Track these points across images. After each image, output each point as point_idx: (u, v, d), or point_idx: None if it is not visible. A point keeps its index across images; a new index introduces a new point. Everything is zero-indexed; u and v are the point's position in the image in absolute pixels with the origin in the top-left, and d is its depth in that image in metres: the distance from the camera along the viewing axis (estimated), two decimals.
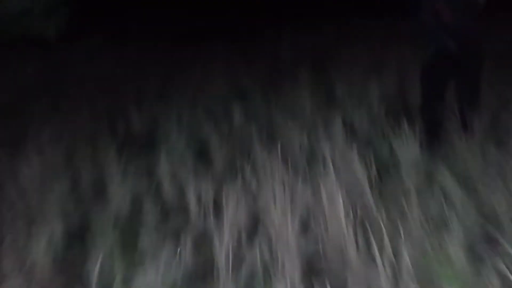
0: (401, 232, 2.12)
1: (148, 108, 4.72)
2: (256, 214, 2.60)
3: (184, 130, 3.95)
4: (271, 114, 3.90)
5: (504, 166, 2.69)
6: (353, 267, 2.10)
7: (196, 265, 2.37)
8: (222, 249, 2.32)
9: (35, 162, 3.48)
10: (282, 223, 2.34)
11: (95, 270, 2.31)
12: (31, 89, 5.26)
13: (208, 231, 2.55)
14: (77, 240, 2.77)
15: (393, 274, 2.00)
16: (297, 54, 5.65)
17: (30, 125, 4.25)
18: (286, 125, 3.49)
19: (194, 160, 3.37)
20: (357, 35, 5.85)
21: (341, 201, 2.28)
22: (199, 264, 2.38)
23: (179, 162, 3.36)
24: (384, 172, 2.76)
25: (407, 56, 4.46)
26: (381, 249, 2.03)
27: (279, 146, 2.97)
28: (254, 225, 2.53)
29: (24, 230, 2.73)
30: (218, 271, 2.25)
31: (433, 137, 2.98)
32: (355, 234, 2.19)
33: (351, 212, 2.26)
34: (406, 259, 1.98)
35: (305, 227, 2.35)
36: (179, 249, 2.36)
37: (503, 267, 1.94)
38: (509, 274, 1.91)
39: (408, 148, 2.85)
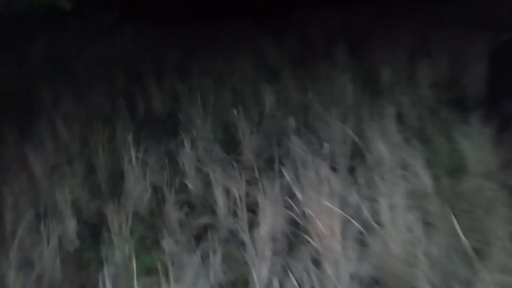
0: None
1: (168, 87, 4.35)
2: (296, 218, 2.24)
3: (209, 113, 3.58)
4: (306, 99, 3.49)
5: None
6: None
7: (226, 276, 2.04)
8: (257, 259, 1.98)
9: (48, 147, 3.17)
10: (328, 231, 1.98)
11: (110, 276, 2.00)
12: (44, 66, 4.93)
13: (239, 234, 2.21)
14: (91, 238, 2.46)
15: None
16: (329, 34, 5.16)
17: (42, 105, 3.93)
18: (325, 113, 3.08)
19: (221, 148, 3.01)
20: (394, 14, 5.34)
21: (401, 206, 1.90)
22: (230, 275, 2.05)
23: (204, 150, 3.00)
24: (449, 171, 2.35)
25: (457, 37, 4.00)
26: None
27: (319, 136, 2.59)
28: (294, 231, 2.18)
29: (34, 224, 2.43)
30: (253, 285, 1.92)
31: (503, 129, 2.55)
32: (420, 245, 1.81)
33: (414, 221, 1.88)
34: None
35: (358, 239, 1.98)
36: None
37: None
38: None
39: (473, 144, 2.44)
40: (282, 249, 2.11)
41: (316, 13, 5.89)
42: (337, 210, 1.97)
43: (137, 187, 2.68)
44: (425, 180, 2.15)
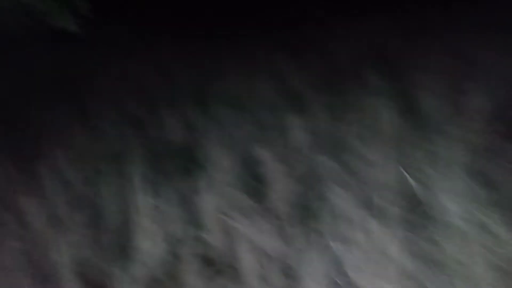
0: None
1: (183, 114, 3.98)
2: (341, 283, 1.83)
3: (229, 144, 3.19)
4: (338, 131, 3.08)
5: None
6: None
7: None
8: None
9: (48, 188, 2.81)
10: None
11: None
12: (51, 86, 4.61)
13: None
14: None
15: None
16: (356, 52, 4.78)
17: (45, 137, 3.59)
18: (364, 149, 2.67)
19: (244, 192, 2.61)
20: (427, 27, 4.93)
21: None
22: None
23: (225, 194, 2.61)
24: None
25: (506, 58, 3.57)
26: None
27: (361, 180, 2.19)
28: None
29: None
30: None
31: None
32: None
33: None
34: None
35: None
36: None
37: None
38: None
39: None
40: None
41: (338, 27, 5.51)
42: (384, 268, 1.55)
43: (148, 242, 2.30)
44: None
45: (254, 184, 2.62)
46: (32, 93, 4.36)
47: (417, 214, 1.99)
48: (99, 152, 3.47)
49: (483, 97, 3.09)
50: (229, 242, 2.28)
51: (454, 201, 1.89)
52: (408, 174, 2.20)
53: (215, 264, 2.22)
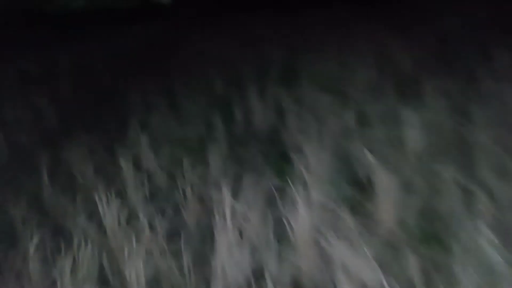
0: None
1: (272, 95, 3.56)
2: None
3: (324, 138, 2.73)
4: (466, 130, 2.47)
5: None
6: None
7: None
8: None
9: (127, 183, 2.58)
10: None
11: None
12: (135, 63, 4.42)
13: None
14: None
15: None
16: (475, 25, 3.99)
17: (130, 114, 3.39)
18: (504, 156, 2.07)
19: (346, 205, 2.13)
20: None
21: None
22: None
23: (317, 198, 2.17)
24: None
25: None
26: None
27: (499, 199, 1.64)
28: None
29: None
30: None
31: None
32: None
33: None
34: None
35: None
36: None
37: None
38: None
39: None
40: None
41: None
42: None
43: (229, 258, 1.95)
44: None
45: (356, 196, 2.15)
46: (122, 70, 4.20)
47: None
48: (182, 136, 3.22)
49: None
50: (322, 268, 1.87)
51: None
52: None
53: None
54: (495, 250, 1.56)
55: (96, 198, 2.18)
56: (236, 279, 1.90)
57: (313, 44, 4.53)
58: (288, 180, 2.34)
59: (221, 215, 2.09)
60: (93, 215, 2.25)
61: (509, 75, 2.87)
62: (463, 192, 1.98)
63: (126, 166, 2.61)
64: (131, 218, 2.25)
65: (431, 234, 1.84)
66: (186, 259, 1.92)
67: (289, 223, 2.05)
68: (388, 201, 2.01)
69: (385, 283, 1.68)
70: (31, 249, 1.99)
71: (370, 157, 2.21)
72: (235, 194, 2.27)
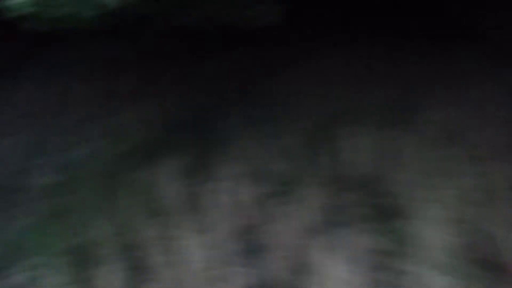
0: None
1: (377, 134, 3.16)
2: None
3: (446, 200, 2.27)
4: None
5: None
6: None
7: None
8: None
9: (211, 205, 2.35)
10: None
11: None
12: (237, 85, 4.25)
13: None
14: None
15: None
16: None
17: (222, 142, 3.19)
18: None
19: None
20: None
21: None
22: None
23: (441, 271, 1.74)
24: None
25: None
26: None
27: None
28: None
29: None
30: None
31: None
32: None
33: None
34: None
35: None
36: None
37: None
38: None
39: None
40: None
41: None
42: None
43: None
44: None
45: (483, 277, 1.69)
46: (220, 94, 4.03)
47: None
48: (278, 169, 2.93)
49: None
50: None
51: None
52: None
53: None
54: None
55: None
56: None
57: (433, 79, 4.02)
58: (395, 242, 1.94)
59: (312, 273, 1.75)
60: None
61: None
62: None
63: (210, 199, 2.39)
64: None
65: None
66: None
67: None
68: None
69: None
70: None
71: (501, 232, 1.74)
72: (330, 249, 1.93)
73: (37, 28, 2.58)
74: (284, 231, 2.18)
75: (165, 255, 1.99)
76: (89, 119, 3.71)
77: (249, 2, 3.18)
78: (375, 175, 2.79)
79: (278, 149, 3.13)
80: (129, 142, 3.15)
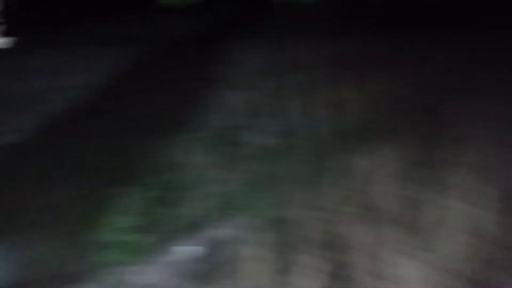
0: None
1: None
2: None
3: None
4: None
5: None
6: None
7: None
8: None
9: None
10: None
11: None
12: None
13: None
14: None
15: None
16: None
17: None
18: None
19: None
20: None
21: None
22: None
23: None
24: None
25: None
26: None
27: None
28: None
29: None
30: None
31: None
32: None
33: None
34: None
35: None
36: None
37: None
38: None
39: None
40: None
41: None
42: None
43: None
44: None
45: None
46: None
47: None
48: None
49: None
50: None
51: None
52: None
53: None
54: None
55: None
56: None
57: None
58: None
59: None
60: None
61: None
62: None
63: None
64: None
65: None
66: None
67: None
68: None
69: None
70: None
71: None
72: None
73: None
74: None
75: (372, 264, 1.68)
76: (312, 84, 3.57)
77: None
78: None
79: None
80: (349, 120, 2.88)
